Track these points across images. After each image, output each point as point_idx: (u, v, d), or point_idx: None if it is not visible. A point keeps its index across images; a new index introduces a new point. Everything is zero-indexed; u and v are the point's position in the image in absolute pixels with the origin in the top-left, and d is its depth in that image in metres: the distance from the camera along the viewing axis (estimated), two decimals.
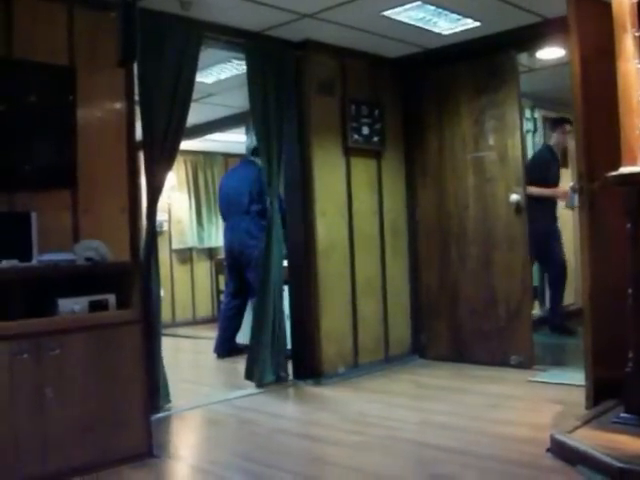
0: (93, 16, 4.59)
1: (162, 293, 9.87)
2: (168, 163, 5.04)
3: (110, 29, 4.59)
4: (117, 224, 4.60)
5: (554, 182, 7.32)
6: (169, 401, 5.12)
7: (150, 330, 4.75)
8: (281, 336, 5.83)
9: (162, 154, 4.94)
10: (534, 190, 6.67)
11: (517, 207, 5.97)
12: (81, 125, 4.43)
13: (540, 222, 6.88)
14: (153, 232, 5.01)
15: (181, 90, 5.03)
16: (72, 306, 3.86)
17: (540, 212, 6.91)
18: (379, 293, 6.46)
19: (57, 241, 4.21)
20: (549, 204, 7.29)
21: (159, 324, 5.10)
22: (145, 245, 4.95)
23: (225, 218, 7.53)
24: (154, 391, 4.86)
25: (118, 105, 4.71)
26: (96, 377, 3.85)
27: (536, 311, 8.02)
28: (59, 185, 4.34)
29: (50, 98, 4.26)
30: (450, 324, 6.51)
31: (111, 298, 4.02)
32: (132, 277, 4.11)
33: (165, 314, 9.87)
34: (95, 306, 3.95)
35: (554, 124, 7.63)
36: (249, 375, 5.79)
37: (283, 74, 5.75)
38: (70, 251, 4.09)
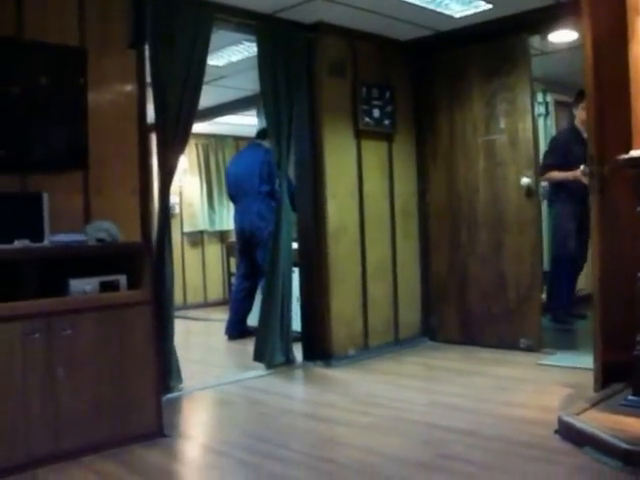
0: None
1: None
2: (181, 145, 5.03)
3: (121, 11, 4.62)
4: (128, 206, 4.63)
5: (576, 164, 6.58)
6: (181, 382, 5.15)
7: (162, 312, 4.81)
8: (288, 318, 5.85)
9: (175, 136, 4.94)
10: (555, 175, 6.63)
11: (528, 190, 5.97)
12: (92, 107, 4.44)
13: (564, 219, 6.84)
14: (166, 214, 5.01)
15: (193, 72, 5.03)
16: (83, 286, 3.89)
17: (567, 205, 6.83)
18: (389, 276, 6.47)
19: (69, 222, 4.24)
20: (577, 190, 6.55)
21: (172, 306, 5.12)
22: (158, 227, 4.97)
23: (235, 201, 7.55)
24: (166, 372, 4.91)
25: (129, 87, 4.72)
26: (107, 357, 3.89)
27: (545, 295, 8.03)
28: (71, 166, 4.37)
29: (61, 80, 4.27)
30: (460, 307, 6.53)
31: (122, 279, 4.05)
32: (143, 258, 4.13)
33: (177, 296, 9.94)
34: (106, 287, 3.98)
35: (575, 100, 7.02)
36: (259, 357, 5.82)
37: (294, 56, 5.74)
38: (82, 232, 4.12)
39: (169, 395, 4.92)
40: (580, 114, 6.70)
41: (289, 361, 5.88)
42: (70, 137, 4.33)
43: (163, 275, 4.91)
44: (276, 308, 5.75)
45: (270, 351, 5.76)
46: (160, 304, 4.75)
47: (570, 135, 6.92)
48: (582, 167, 5.61)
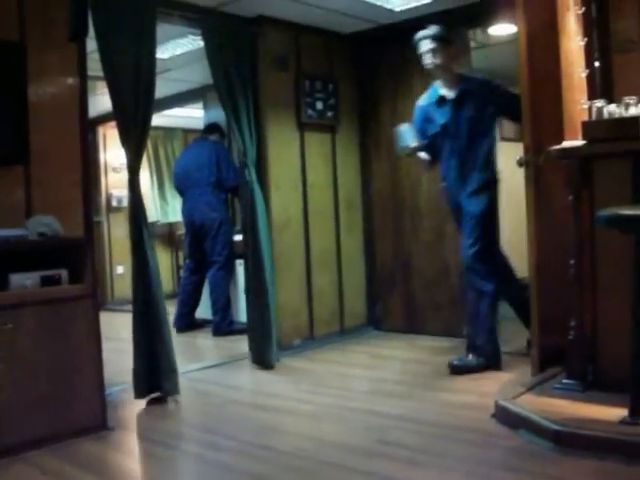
0: None
1: (122, 270, 9.99)
2: (142, 134, 4.96)
3: (62, 4, 4.58)
4: (70, 200, 4.59)
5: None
6: (177, 392, 4.80)
7: (152, 312, 4.75)
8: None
9: (135, 126, 4.86)
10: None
11: None
12: (33, 101, 4.41)
13: None
14: (138, 208, 4.85)
15: (144, 63, 4.96)
16: (24, 281, 3.89)
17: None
18: (334, 266, 6.55)
19: (9, 217, 4.20)
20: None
21: (162, 306, 4.84)
22: (133, 222, 4.83)
23: (183, 194, 7.55)
24: (158, 372, 4.73)
25: (70, 80, 4.68)
26: (49, 351, 3.90)
27: None
28: (11, 161, 4.32)
29: (0, 74, 4.25)
30: (404, 296, 6.63)
31: (63, 273, 4.06)
32: (84, 252, 4.14)
33: (125, 291, 9.90)
34: (47, 281, 3.98)
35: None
36: (258, 359, 5.64)
37: (239, 49, 5.74)
38: (22, 227, 4.11)
39: (115, 388, 4.93)
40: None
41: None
42: (10, 131, 4.29)
43: (147, 268, 4.80)
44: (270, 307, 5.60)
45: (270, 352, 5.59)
46: (146, 302, 4.74)
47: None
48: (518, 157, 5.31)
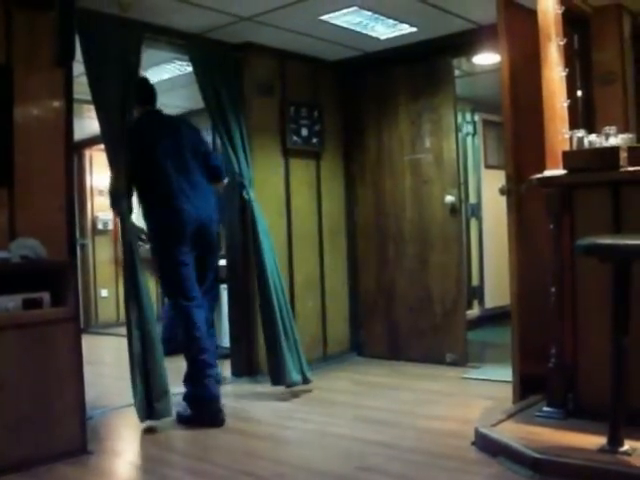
0: (32, 15, 4.58)
1: (106, 294, 9.96)
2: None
3: (48, 29, 4.59)
4: (54, 222, 4.58)
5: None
6: (170, 414, 4.72)
7: (144, 336, 4.70)
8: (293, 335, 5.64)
9: (122, 148, 4.86)
10: None
11: (452, 208, 6.12)
12: (18, 124, 4.42)
13: None
14: (129, 228, 4.85)
15: (132, 87, 5.01)
16: (6, 303, 3.87)
17: None
18: (317, 292, 6.56)
19: None
20: None
21: (154, 330, 4.79)
22: (124, 242, 4.84)
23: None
24: (152, 397, 4.65)
25: (56, 104, 4.69)
26: (30, 374, 3.88)
27: (475, 310, 8.22)
28: None
29: None
30: (387, 322, 6.64)
31: (45, 296, 4.04)
32: (67, 275, 4.14)
33: (109, 314, 9.90)
34: (29, 304, 3.96)
35: None
36: (276, 380, 5.49)
37: (226, 75, 5.78)
38: (5, 249, 4.10)
39: (97, 411, 4.91)
40: None
41: (305, 380, 5.56)
42: None
43: (139, 295, 4.74)
44: (279, 327, 5.51)
45: (288, 371, 5.44)
46: (141, 330, 4.70)
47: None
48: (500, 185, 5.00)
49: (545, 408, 4.01)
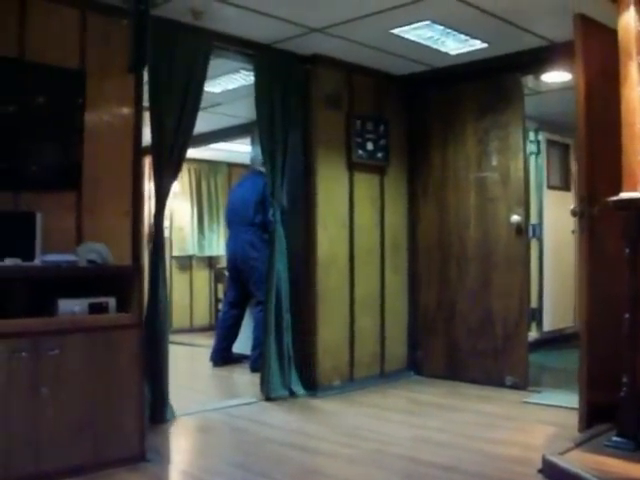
0: (105, 22, 4.64)
1: None
2: (175, 169, 5.07)
3: (122, 35, 4.64)
4: (120, 228, 4.63)
5: None
6: (173, 415, 5.07)
7: (156, 338, 4.85)
8: (287, 349, 5.79)
9: (170, 160, 4.98)
10: None
11: (518, 228, 6.01)
12: (89, 128, 4.47)
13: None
14: (160, 237, 5.04)
15: (190, 98, 5.08)
16: (72, 307, 3.89)
17: None
18: (377, 308, 6.48)
19: (60, 242, 4.23)
20: None
21: (166, 334, 5.07)
22: (153, 250, 4.99)
23: (229, 226, 7.58)
24: (158, 400, 4.91)
25: (126, 110, 4.75)
26: (93, 379, 3.88)
27: (533, 333, 8.05)
28: (64, 186, 4.37)
29: (59, 100, 4.30)
30: (446, 342, 6.53)
31: (111, 301, 4.05)
32: (132, 281, 4.13)
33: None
34: (95, 308, 3.98)
35: None
36: (266, 389, 5.74)
37: (291, 87, 5.79)
38: (73, 252, 4.12)
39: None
40: None
41: (292, 394, 5.79)
42: (65, 157, 4.35)
43: (156, 300, 4.93)
44: (271, 338, 5.70)
45: (272, 382, 5.71)
46: (154, 330, 4.81)
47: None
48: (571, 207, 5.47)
49: (615, 438, 3.88)
